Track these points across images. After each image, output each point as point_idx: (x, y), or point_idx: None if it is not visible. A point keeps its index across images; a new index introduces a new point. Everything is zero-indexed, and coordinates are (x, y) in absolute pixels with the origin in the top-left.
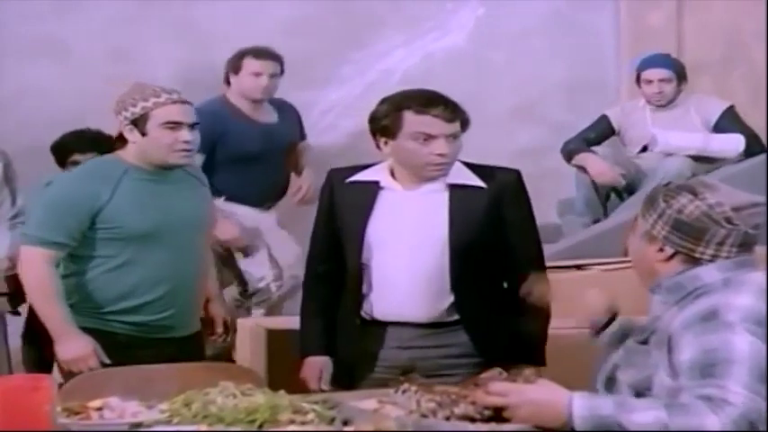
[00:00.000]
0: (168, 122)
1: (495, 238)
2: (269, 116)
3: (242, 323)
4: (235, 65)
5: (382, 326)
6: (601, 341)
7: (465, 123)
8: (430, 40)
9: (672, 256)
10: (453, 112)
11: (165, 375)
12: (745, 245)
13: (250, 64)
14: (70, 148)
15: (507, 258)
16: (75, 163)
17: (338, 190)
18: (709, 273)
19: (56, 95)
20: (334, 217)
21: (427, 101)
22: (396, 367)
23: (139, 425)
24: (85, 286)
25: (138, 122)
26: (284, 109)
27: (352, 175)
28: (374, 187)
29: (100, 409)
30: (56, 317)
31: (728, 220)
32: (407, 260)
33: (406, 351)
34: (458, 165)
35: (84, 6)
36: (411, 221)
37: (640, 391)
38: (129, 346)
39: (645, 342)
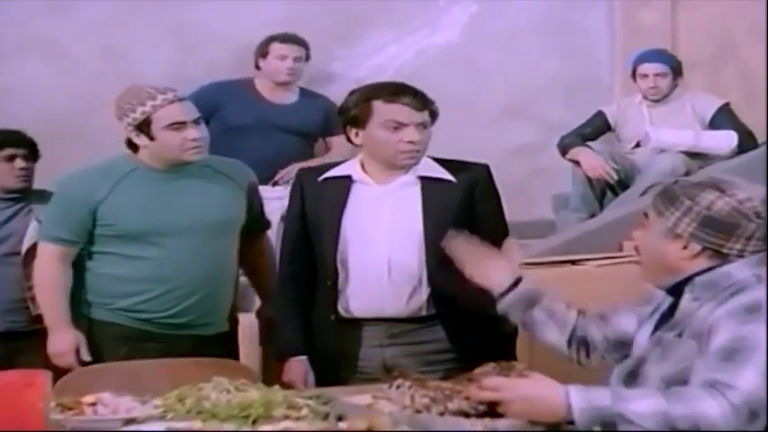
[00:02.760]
0: (172, 124)
1: (468, 231)
2: (285, 98)
3: None
4: (262, 50)
5: (359, 324)
6: (506, 304)
7: (434, 114)
8: (422, 37)
9: (698, 254)
10: (422, 101)
11: (158, 371)
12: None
13: (276, 48)
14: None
15: None
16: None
17: (309, 188)
18: (739, 270)
19: (47, 93)
20: (306, 216)
21: (396, 90)
22: (377, 366)
23: (133, 420)
24: (96, 281)
25: (143, 127)
26: (311, 97)
27: (322, 173)
28: (347, 182)
29: (93, 404)
30: (52, 311)
31: (758, 215)
32: (385, 254)
33: (387, 349)
34: (426, 159)
35: (75, 6)
36: (386, 215)
37: (673, 385)
38: (139, 339)
39: (679, 336)
